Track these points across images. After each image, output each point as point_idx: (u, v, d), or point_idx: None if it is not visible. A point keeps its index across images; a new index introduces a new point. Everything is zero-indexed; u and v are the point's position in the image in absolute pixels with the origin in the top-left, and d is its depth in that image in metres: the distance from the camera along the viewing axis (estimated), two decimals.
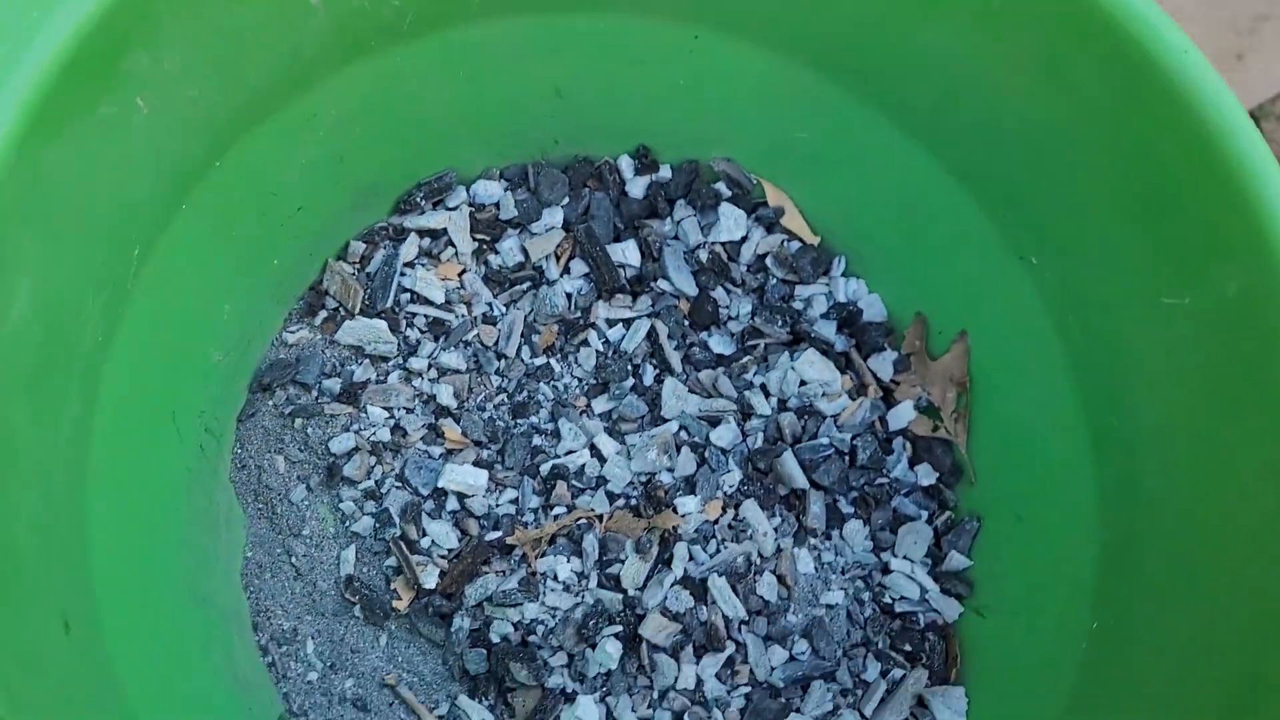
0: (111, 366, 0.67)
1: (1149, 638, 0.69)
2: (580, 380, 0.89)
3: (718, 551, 0.82)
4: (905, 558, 0.84)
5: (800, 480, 0.84)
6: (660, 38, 0.81)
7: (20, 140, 0.54)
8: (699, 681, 0.79)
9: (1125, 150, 0.68)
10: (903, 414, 0.87)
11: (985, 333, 0.85)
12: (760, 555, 0.82)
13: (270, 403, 0.84)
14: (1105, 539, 0.75)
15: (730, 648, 0.80)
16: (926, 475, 0.87)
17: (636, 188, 0.91)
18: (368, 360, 0.86)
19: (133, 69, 0.60)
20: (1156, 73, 0.64)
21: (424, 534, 0.83)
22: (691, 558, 0.82)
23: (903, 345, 0.90)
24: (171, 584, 0.72)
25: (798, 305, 0.91)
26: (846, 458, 0.86)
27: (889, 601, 0.84)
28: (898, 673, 0.82)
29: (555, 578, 0.82)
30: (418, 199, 0.87)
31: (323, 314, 0.86)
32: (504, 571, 0.83)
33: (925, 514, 0.86)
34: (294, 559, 0.83)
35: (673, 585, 0.81)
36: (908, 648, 0.83)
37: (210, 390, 0.79)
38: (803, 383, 0.86)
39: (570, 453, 0.86)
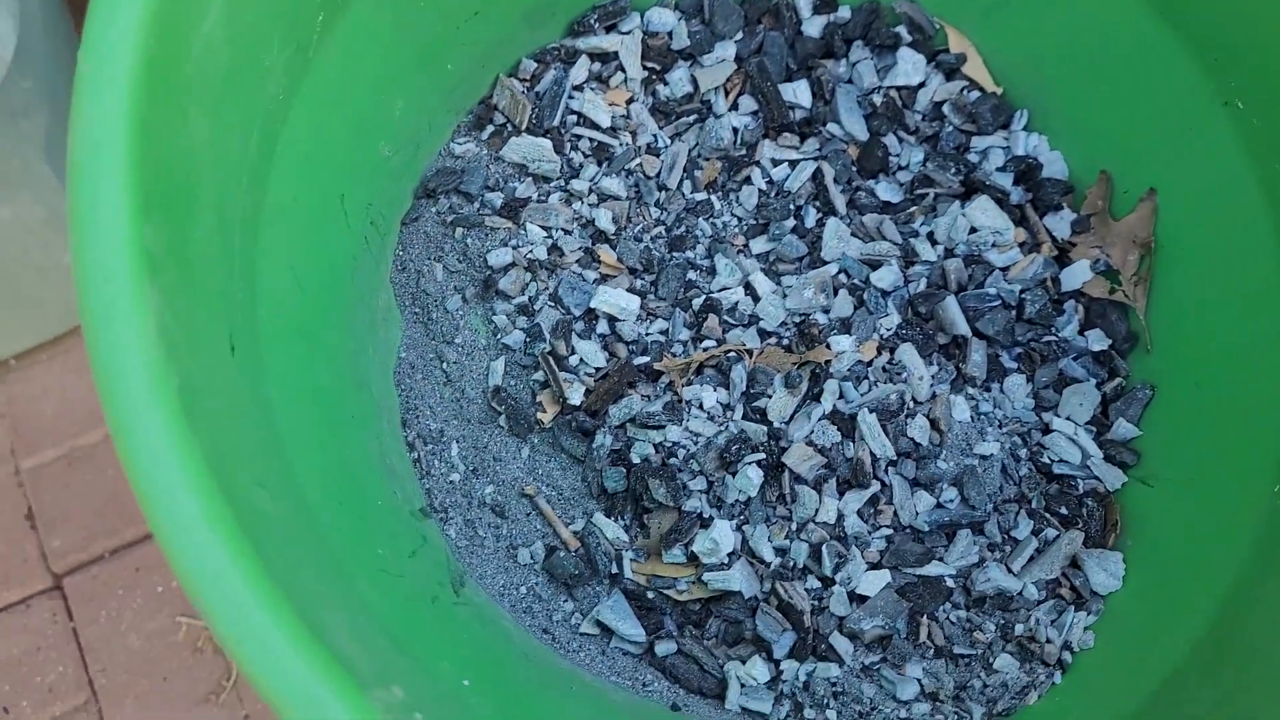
0: (290, 128, 0.68)
1: None
2: (740, 219, 0.87)
3: (869, 391, 0.79)
4: (1069, 419, 0.80)
5: (962, 326, 0.80)
6: None
7: None
8: (840, 516, 0.77)
9: None
10: (1078, 273, 0.83)
11: (1177, 191, 0.80)
12: (914, 399, 0.79)
13: (434, 209, 0.85)
14: None
15: (875, 487, 0.77)
16: (1099, 341, 0.82)
17: (813, 27, 0.89)
18: (530, 178, 0.86)
19: None
20: None
21: (573, 352, 0.83)
22: (842, 395, 0.79)
23: (1083, 205, 0.85)
24: (331, 358, 0.73)
25: (973, 158, 0.87)
26: (1014, 311, 0.82)
27: (1047, 462, 0.80)
28: (1050, 533, 0.78)
29: (700, 406, 0.81)
30: (591, 21, 0.86)
31: (490, 128, 0.87)
32: (649, 396, 0.82)
33: (1094, 380, 0.82)
34: (445, 365, 0.84)
35: (820, 419, 0.79)
36: (1064, 511, 0.79)
37: (378, 184, 0.80)
38: (973, 230, 0.83)
39: (725, 289, 0.85)
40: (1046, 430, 0.80)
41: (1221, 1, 0.73)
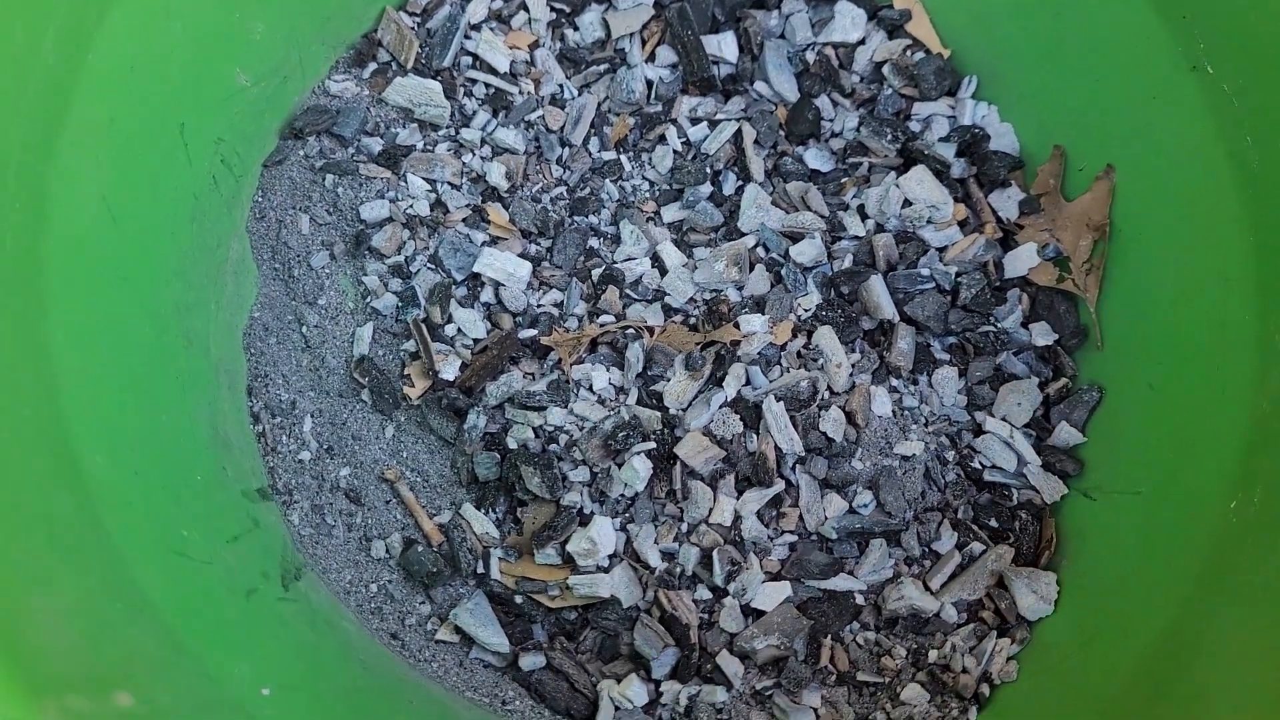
0: (107, 34, 0.59)
1: None
2: (651, 183, 0.78)
3: (780, 378, 0.70)
4: (1004, 420, 0.71)
5: (888, 310, 0.71)
6: None
7: None
8: (737, 518, 0.67)
9: None
10: (1023, 258, 0.73)
11: (1137, 167, 0.71)
12: (830, 389, 0.70)
13: (301, 152, 0.75)
14: (1260, 406, 0.61)
15: (779, 486, 0.67)
16: (1043, 335, 0.73)
17: None
18: (415, 124, 0.76)
19: None
20: None
21: (449, 320, 0.73)
22: (748, 381, 0.70)
23: (1034, 184, 0.76)
24: (152, 307, 0.63)
25: (914, 125, 0.77)
26: (949, 296, 0.72)
27: (978, 468, 0.70)
28: (976, 548, 0.68)
29: (590, 387, 0.71)
30: None
31: (373, 66, 0.77)
32: (533, 375, 0.72)
33: (1036, 379, 0.72)
34: (305, 328, 0.74)
35: (722, 406, 0.69)
36: (993, 524, 0.69)
37: (232, 118, 0.70)
38: (907, 203, 0.73)
39: (630, 259, 0.75)
40: (979, 431, 0.71)
41: None
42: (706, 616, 0.67)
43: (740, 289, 0.73)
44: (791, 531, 0.68)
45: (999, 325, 0.73)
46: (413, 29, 0.77)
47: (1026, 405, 0.71)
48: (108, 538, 0.52)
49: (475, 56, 0.77)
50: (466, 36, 0.77)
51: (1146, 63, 0.69)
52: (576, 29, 0.79)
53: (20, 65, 0.53)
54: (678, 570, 0.67)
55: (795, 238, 0.74)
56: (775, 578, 0.67)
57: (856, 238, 0.74)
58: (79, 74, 0.57)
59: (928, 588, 0.67)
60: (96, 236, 0.59)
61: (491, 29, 0.78)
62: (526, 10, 0.78)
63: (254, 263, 0.73)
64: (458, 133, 0.77)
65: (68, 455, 0.52)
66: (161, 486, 0.59)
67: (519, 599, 0.69)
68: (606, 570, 0.67)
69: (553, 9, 0.79)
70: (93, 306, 0.58)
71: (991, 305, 0.72)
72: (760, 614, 0.66)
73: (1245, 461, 0.60)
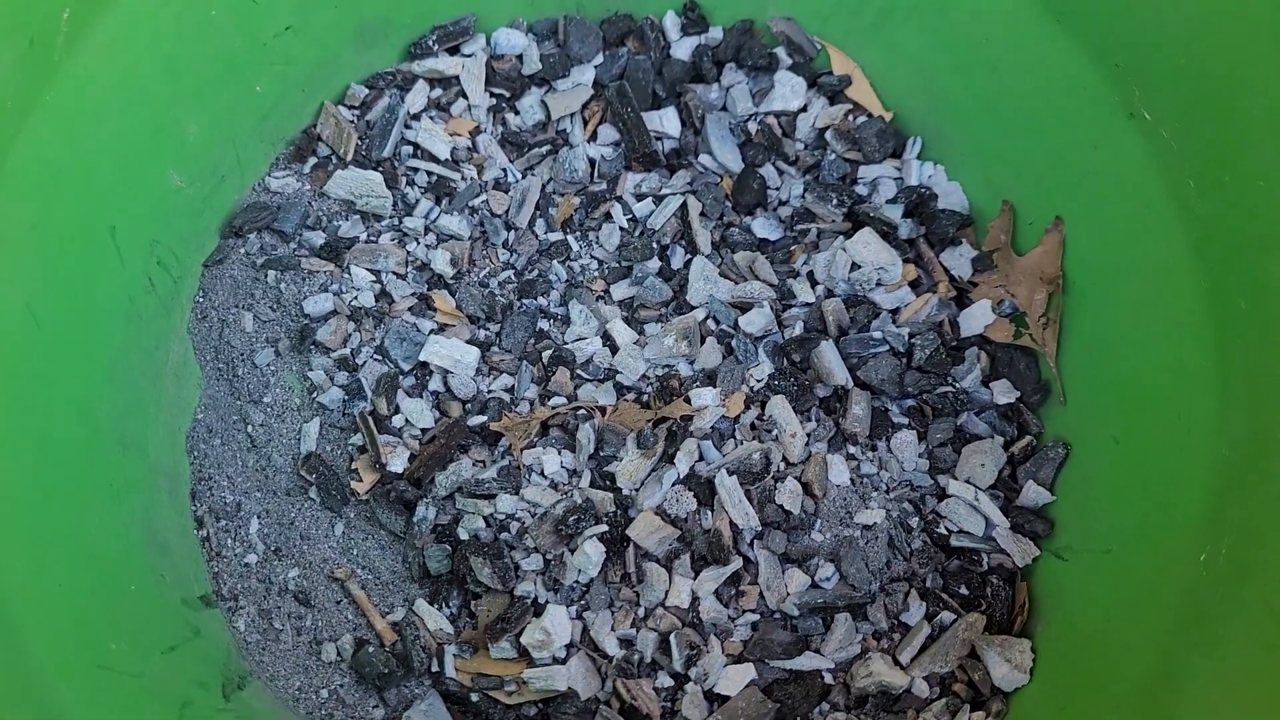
0: (26, 141, 0.58)
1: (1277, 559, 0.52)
2: (600, 261, 0.77)
3: (733, 451, 0.68)
4: (969, 482, 0.68)
5: (841, 375, 0.69)
6: None
7: None
8: (694, 599, 0.64)
9: None
10: (978, 316, 0.72)
11: (1085, 218, 0.70)
12: (785, 460, 0.68)
13: (242, 250, 0.74)
14: (1224, 453, 0.58)
15: (737, 563, 0.65)
16: (1005, 392, 0.71)
17: (682, 49, 0.80)
18: (358, 216, 0.76)
19: None
20: None
21: (397, 411, 0.71)
22: (701, 456, 0.68)
23: (985, 241, 0.75)
24: (80, 410, 0.62)
25: (861, 189, 0.77)
26: (904, 359, 0.71)
27: (944, 533, 0.67)
28: (947, 617, 0.65)
29: (541, 471, 0.69)
30: (430, 42, 0.77)
31: (313, 160, 0.77)
32: (484, 462, 0.70)
33: (1000, 438, 0.70)
34: (250, 428, 0.72)
35: (675, 484, 0.67)
36: (964, 591, 0.66)
37: (168, 219, 0.69)
38: (855, 266, 0.72)
39: (580, 339, 0.74)
40: (943, 496, 0.69)
41: (1120, 1, 0.64)
42: (669, 705, 0.64)
43: (691, 363, 0.72)
44: (752, 610, 0.65)
45: (958, 385, 0.71)
46: (352, 122, 0.77)
47: (991, 466, 0.69)
48: (24, 650, 0.50)
49: (416, 145, 0.77)
50: (406, 126, 0.77)
51: (1085, 112, 0.68)
52: (517, 112, 0.79)
53: None
54: (636, 658, 0.64)
55: (744, 308, 0.73)
56: (738, 660, 0.64)
57: (807, 304, 0.72)
58: (6, 163, 0.57)
59: (897, 662, 0.64)
60: (20, 340, 0.58)
61: (431, 117, 0.78)
62: (465, 98, 0.78)
63: (196, 363, 0.72)
64: (401, 222, 0.76)
65: None
66: (88, 596, 0.57)
67: (475, 697, 0.66)
68: (563, 661, 0.65)
69: (492, 94, 0.79)
70: (14, 410, 0.57)
71: (948, 365, 0.70)
72: (724, 699, 0.63)
73: (1212, 510, 0.57)
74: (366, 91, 0.77)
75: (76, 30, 0.60)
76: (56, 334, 0.61)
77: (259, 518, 0.71)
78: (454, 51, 0.78)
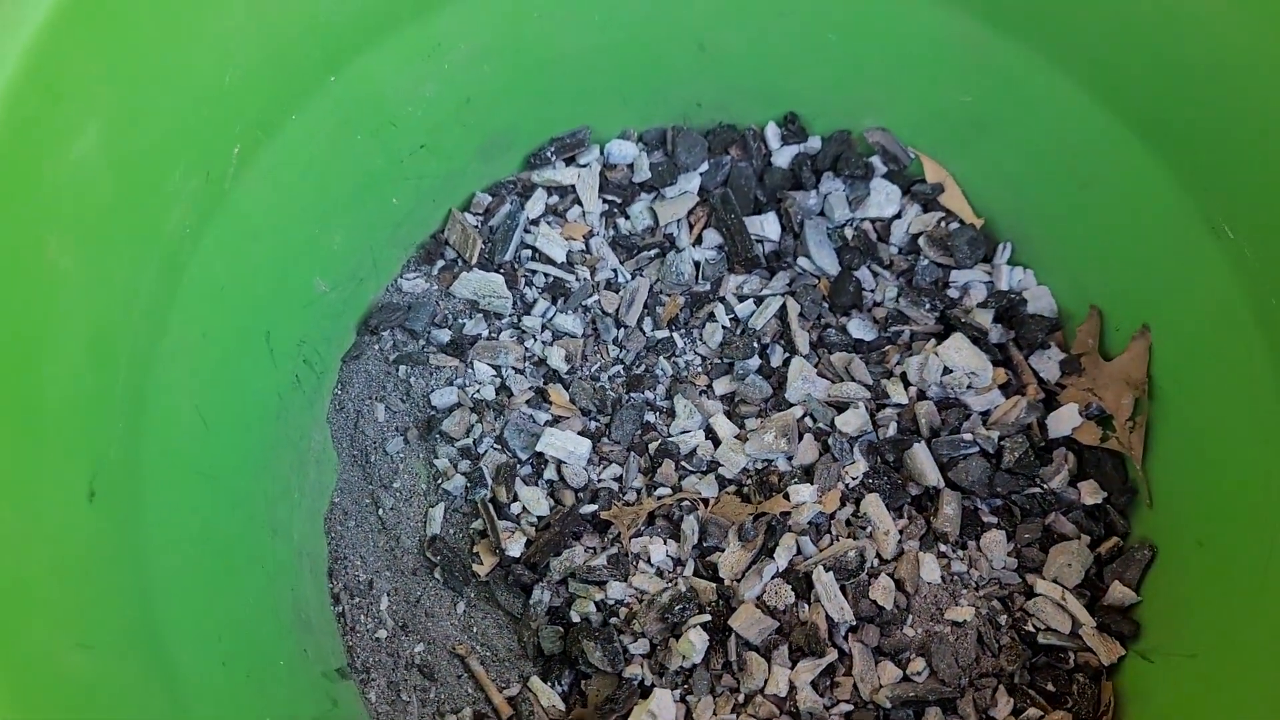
0: (200, 261, 0.65)
1: None
2: (703, 358, 0.82)
3: (829, 546, 0.72)
4: (1056, 581, 0.72)
5: (933, 476, 0.73)
6: None
7: None
8: (792, 689, 0.69)
9: None
10: (1066, 418, 0.75)
11: (1170, 327, 0.73)
12: (879, 556, 0.72)
13: (376, 346, 0.81)
14: None
15: (832, 655, 0.69)
16: (1092, 493, 0.74)
17: (782, 158, 0.85)
18: (481, 315, 0.82)
19: None
20: None
21: (515, 499, 0.77)
22: (799, 550, 0.72)
23: (1073, 345, 0.78)
24: (241, 502, 0.69)
25: (953, 293, 0.81)
26: (993, 460, 0.74)
27: (1031, 631, 0.71)
28: (1034, 714, 0.68)
29: (648, 559, 0.74)
30: (548, 153, 0.84)
31: (440, 263, 0.84)
32: (595, 549, 0.76)
33: (1087, 537, 0.73)
34: (381, 511, 0.79)
35: (774, 577, 0.71)
36: (1050, 688, 0.69)
37: (313, 321, 0.76)
38: (947, 370, 0.76)
39: (685, 432, 0.79)
40: (1030, 594, 0.72)
41: (1201, 120, 0.67)
42: None
43: (790, 459, 0.76)
44: (847, 700, 0.69)
45: (1045, 486, 0.74)
46: (476, 227, 0.83)
47: (1078, 565, 0.72)
48: None
49: (534, 249, 0.84)
50: (526, 231, 0.84)
51: (1170, 226, 0.71)
52: (628, 218, 0.85)
53: (126, 294, 0.60)
54: None
55: (840, 407, 0.77)
56: None
57: (900, 405, 0.77)
58: (175, 296, 0.64)
59: None
60: (191, 441, 0.65)
61: (549, 223, 0.84)
62: (580, 204, 0.84)
63: (334, 451, 0.79)
64: (520, 320, 0.82)
65: (160, 653, 0.56)
66: (246, 674, 0.63)
67: None
68: None
69: (604, 201, 0.85)
70: (184, 506, 0.64)
71: (1036, 467, 0.74)
72: None
73: None
74: (490, 199, 0.84)
75: (244, 161, 0.68)
76: (220, 432, 0.68)
77: (388, 595, 0.77)
78: (570, 162, 0.85)
